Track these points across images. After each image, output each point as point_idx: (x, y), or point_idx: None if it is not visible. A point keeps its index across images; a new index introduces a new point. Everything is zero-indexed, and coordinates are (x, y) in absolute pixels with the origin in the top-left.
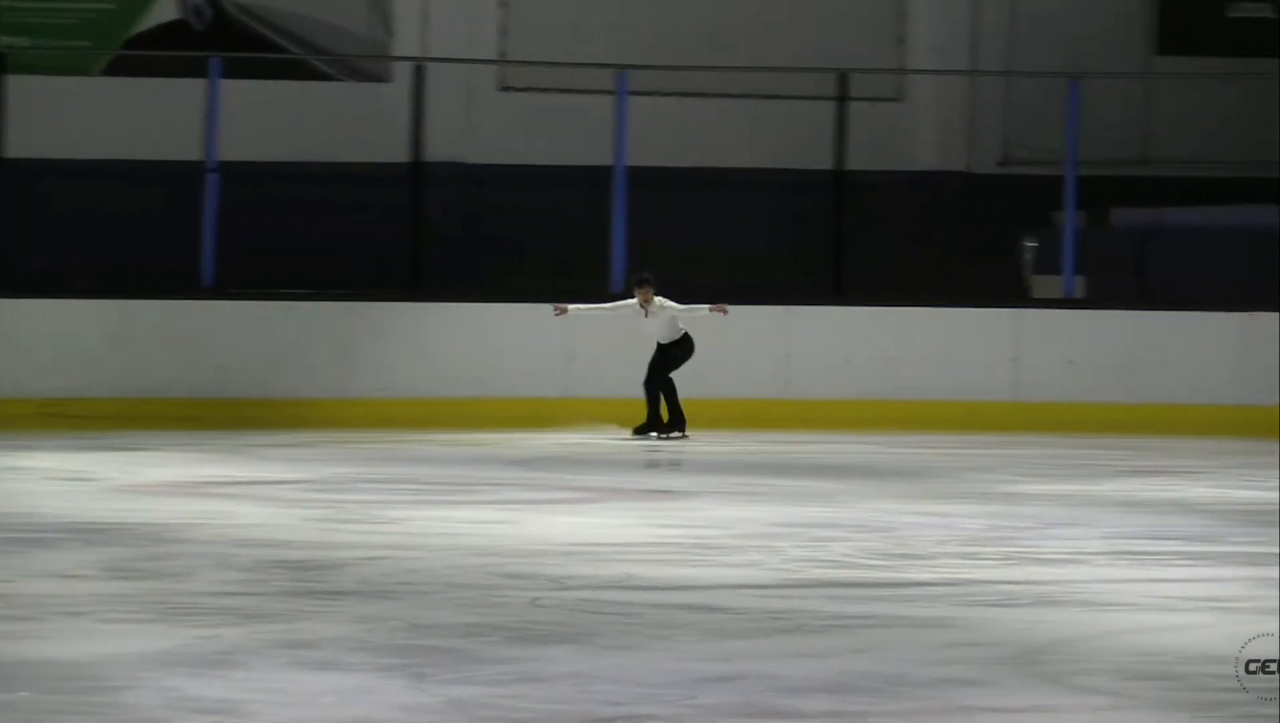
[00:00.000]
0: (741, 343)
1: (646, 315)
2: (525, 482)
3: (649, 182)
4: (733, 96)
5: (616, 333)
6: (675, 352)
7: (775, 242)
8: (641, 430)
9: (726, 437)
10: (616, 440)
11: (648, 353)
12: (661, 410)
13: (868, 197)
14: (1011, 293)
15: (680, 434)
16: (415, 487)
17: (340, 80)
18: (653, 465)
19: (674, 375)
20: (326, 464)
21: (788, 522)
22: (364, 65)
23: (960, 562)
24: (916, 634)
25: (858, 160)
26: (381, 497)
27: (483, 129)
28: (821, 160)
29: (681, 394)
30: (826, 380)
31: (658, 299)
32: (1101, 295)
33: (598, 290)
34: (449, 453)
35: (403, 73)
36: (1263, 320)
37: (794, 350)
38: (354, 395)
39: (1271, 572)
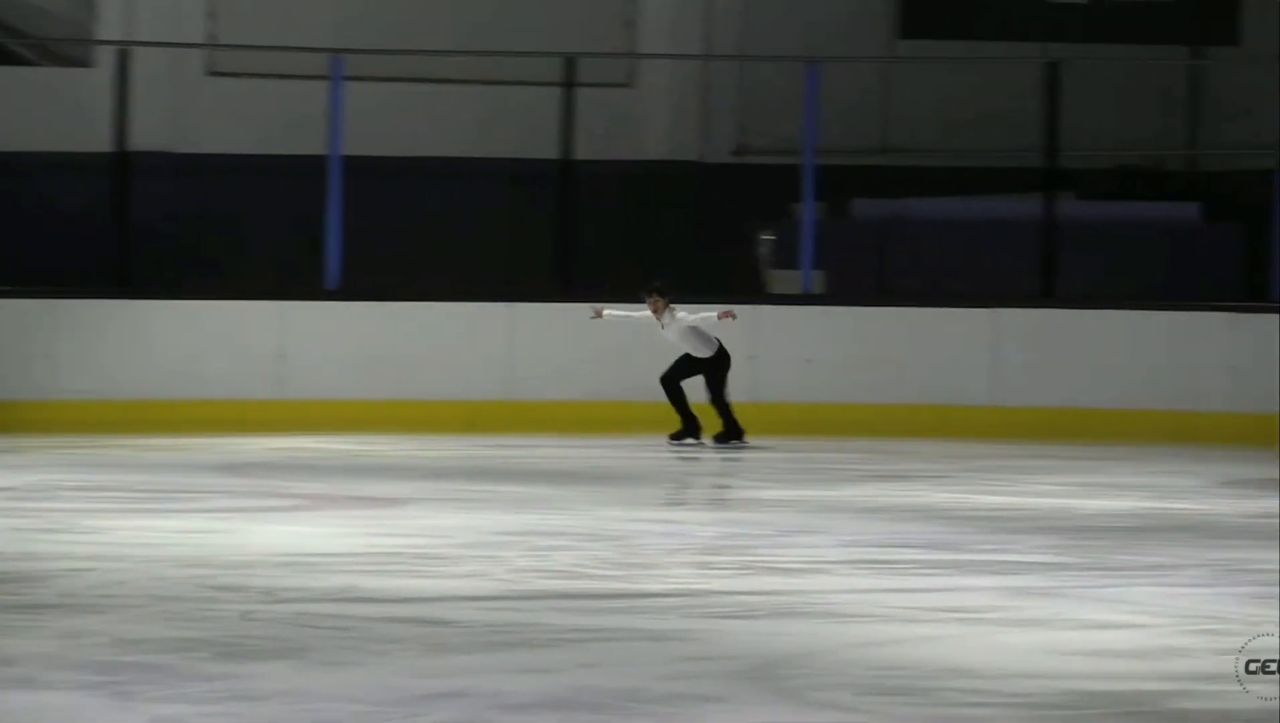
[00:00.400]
0: (463, 341)
1: (662, 326)
2: (236, 489)
3: (367, 172)
4: (455, 82)
5: (330, 333)
6: (707, 366)
7: (500, 235)
8: (721, 438)
9: (447, 441)
10: (339, 445)
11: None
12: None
13: (597, 187)
14: (747, 288)
15: (695, 441)
16: (121, 494)
17: (40, 65)
18: (375, 471)
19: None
20: (28, 471)
21: (512, 530)
22: (65, 49)
23: (694, 571)
24: (649, 648)
25: (586, 149)
26: (85, 505)
27: (191, 117)
28: (548, 149)
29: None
30: (553, 381)
31: (673, 308)
32: (841, 291)
33: (313, 286)
34: (157, 458)
35: (106, 57)
36: (1012, 316)
37: (518, 349)
38: (57, 397)
39: (1016, 581)
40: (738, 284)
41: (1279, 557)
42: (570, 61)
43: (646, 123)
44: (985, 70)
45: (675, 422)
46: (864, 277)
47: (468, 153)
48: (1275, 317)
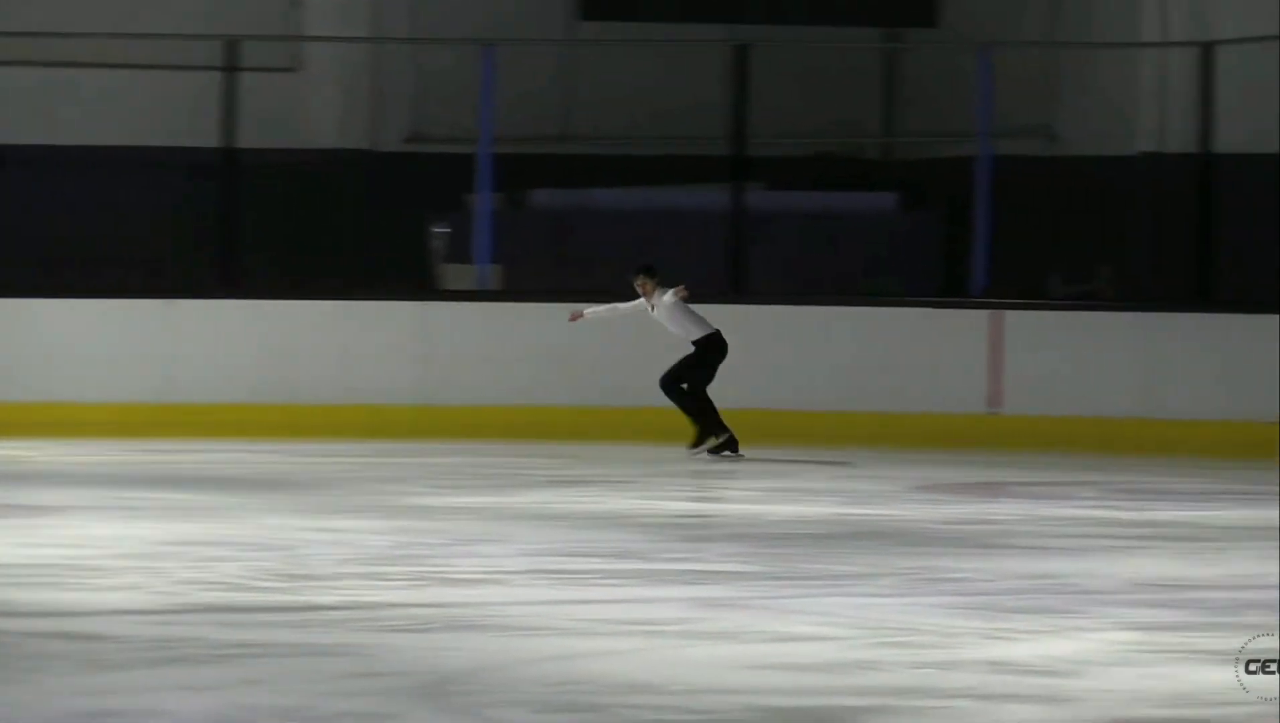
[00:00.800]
0: (119, 340)
1: (652, 309)
2: None
3: (15, 161)
4: (110, 67)
5: None
6: (701, 350)
7: (159, 227)
8: (713, 447)
9: (102, 445)
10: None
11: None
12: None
13: (262, 177)
14: (419, 284)
15: (712, 449)
16: None
17: None
18: (23, 477)
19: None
20: None
21: (172, 540)
22: None
23: (364, 583)
24: (316, 664)
25: (250, 137)
26: None
27: None
28: (209, 137)
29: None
30: (214, 382)
31: (662, 290)
32: (519, 285)
33: None
34: None
35: None
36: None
37: (178, 348)
38: None
39: (704, 591)
40: (410, 279)
41: (1064, 566)
42: (232, 45)
43: (314, 109)
44: (670, 53)
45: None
46: (544, 271)
47: (124, 141)
48: (975, 312)
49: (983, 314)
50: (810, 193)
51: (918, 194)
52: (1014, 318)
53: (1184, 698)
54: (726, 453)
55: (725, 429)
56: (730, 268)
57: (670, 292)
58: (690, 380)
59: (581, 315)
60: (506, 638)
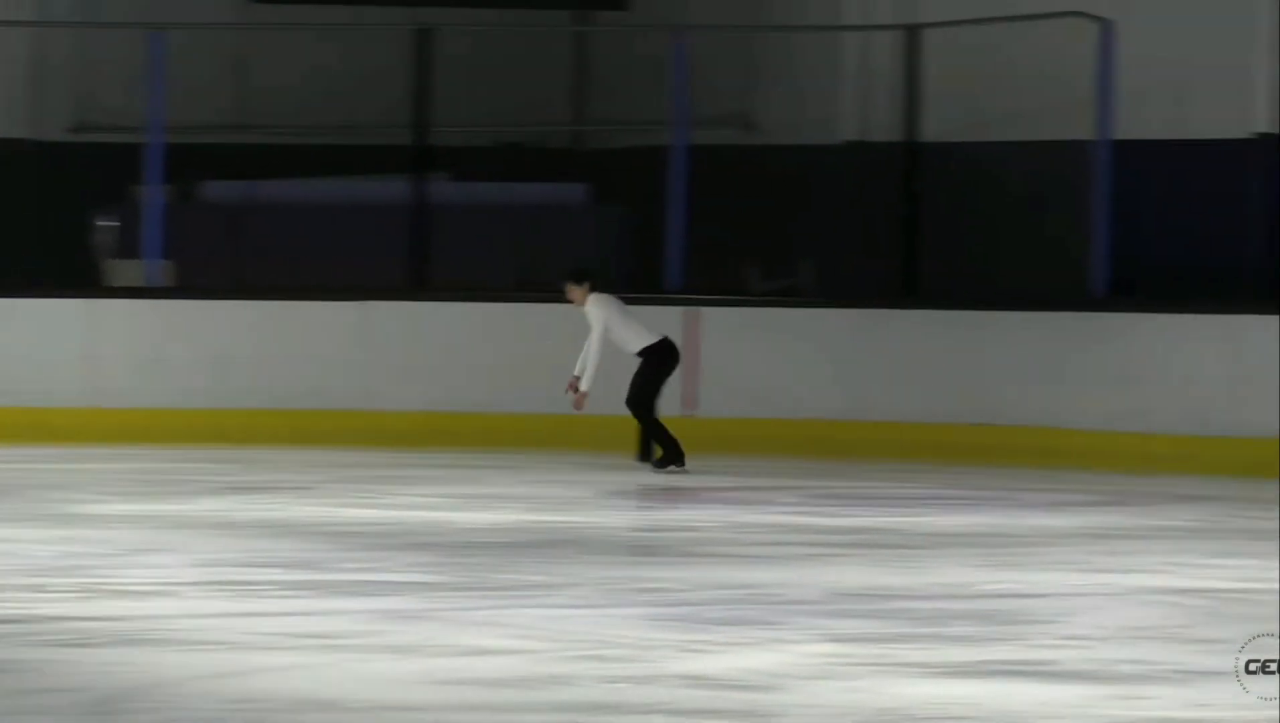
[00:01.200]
0: None
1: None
2: None
3: None
4: None
5: None
6: (649, 357)
7: None
8: (661, 463)
9: None
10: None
11: None
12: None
13: None
14: (84, 280)
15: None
16: None
17: None
18: None
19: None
20: None
21: None
22: None
23: (28, 595)
24: None
25: None
26: None
27: None
28: None
29: None
30: None
31: (593, 298)
32: (190, 282)
33: None
34: None
35: None
36: (380, 310)
37: None
38: None
39: (386, 603)
40: (74, 275)
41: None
42: None
43: None
44: (349, 38)
45: None
46: (217, 267)
47: None
48: (669, 308)
49: (677, 311)
50: (496, 184)
51: (609, 185)
52: (710, 315)
53: (887, 713)
54: (672, 467)
55: (672, 448)
56: (411, 262)
57: (598, 297)
58: (643, 396)
59: (585, 394)
60: (178, 653)
